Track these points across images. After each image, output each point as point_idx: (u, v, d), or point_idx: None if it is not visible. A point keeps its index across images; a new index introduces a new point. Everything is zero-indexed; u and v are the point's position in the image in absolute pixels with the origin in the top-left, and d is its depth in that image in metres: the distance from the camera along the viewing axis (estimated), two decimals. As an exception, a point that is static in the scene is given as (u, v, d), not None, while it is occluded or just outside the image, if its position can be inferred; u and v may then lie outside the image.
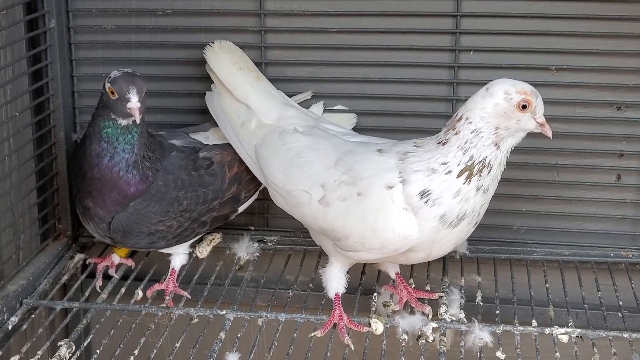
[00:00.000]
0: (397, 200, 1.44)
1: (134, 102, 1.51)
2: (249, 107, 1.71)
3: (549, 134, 1.43)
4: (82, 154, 1.61)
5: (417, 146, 1.48)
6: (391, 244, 1.45)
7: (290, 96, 1.80)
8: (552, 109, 1.73)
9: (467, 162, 1.41)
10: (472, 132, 1.41)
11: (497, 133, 1.41)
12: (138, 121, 1.53)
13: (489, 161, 1.42)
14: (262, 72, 1.80)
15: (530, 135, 1.70)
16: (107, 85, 1.54)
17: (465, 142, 1.41)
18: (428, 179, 1.43)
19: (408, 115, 1.81)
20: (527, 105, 1.39)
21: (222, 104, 1.74)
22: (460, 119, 1.43)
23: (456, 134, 1.42)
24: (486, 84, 1.44)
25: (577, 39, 1.72)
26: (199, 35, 1.83)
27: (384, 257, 1.51)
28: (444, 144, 1.44)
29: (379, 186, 1.46)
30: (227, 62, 1.74)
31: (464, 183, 1.42)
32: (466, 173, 1.42)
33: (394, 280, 1.67)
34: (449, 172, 1.42)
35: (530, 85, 1.42)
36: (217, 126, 1.75)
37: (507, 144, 1.43)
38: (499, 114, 1.40)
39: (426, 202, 1.42)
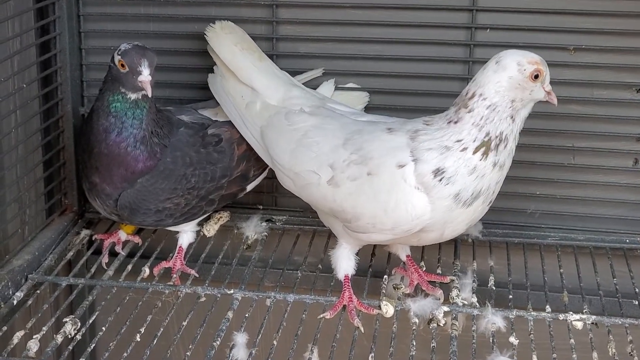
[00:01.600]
0: (409, 179, 1.41)
1: (145, 75, 1.49)
2: (254, 89, 1.68)
3: (555, 101, 1.43)
4: (89, 128, 1.59)
5: (427, 124, 1.46)
6: (404, 224, 1.42)
7: (301, 73, 1.77)
8: (570, 90, 1.71)
9: (484, 138, 1.39)
10: (487, 108, 1.39)
11: (513, 106, 1.40)
12: (150, 94, 1.50)
13: (506, 135, 1.40)
14: (273, 48, 1.78)
15: (547, 117, 1.67)
16: (117, 58, 1.51)
17: (481, 119, 1.39)
18: (442, 157, 1.40)
19: (422, 94, 1.78)
20: (539, 75, 1.39)
21: (225, 85, 1.71)
22: (472, 96, 1.40)
23: (469, 111, 1.40)
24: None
25: (597, 18, 1.68)
26: (209, 9, 1.80)
27: (395, 237, 1.48)
28: (455, 122, 1.41)
29: (390, 165, 1.43)
30: (229, 43, 1.71)
31: (481, 159, 1.39)
32: (483, 149, 1.39)
33: (404, 262, 1.65)
34: (465, 149, 1.39)
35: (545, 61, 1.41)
36: (226, 103, 1.73)
37: (521, 116, 1.42)
38: (514, 87, 1.38)
39: (440, 180, 1.40)
